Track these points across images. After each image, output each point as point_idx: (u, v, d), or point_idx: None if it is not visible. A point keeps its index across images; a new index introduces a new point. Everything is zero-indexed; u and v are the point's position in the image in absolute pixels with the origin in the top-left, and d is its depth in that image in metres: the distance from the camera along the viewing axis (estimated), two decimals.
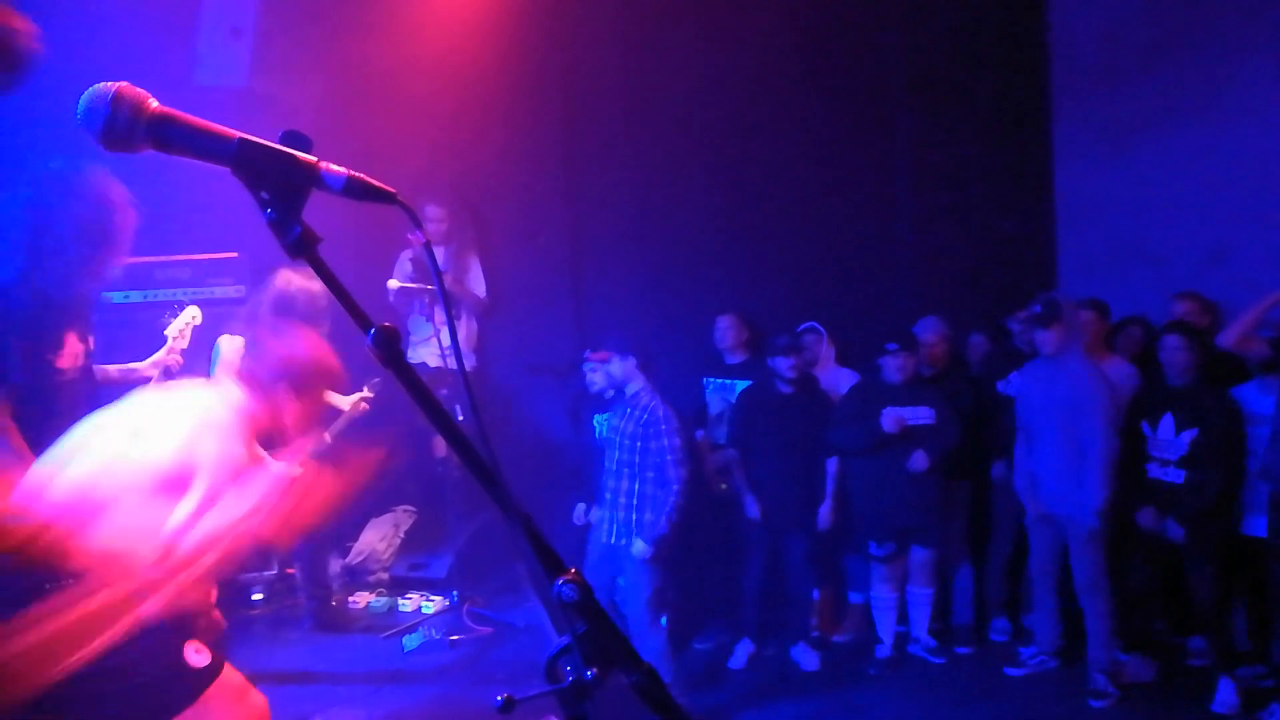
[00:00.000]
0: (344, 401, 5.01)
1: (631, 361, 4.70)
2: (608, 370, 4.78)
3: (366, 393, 5.05)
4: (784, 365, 5.08)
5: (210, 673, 2.34)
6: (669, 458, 4.54)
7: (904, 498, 5.01)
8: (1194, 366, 4.54)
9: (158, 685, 2.28)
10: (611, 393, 4.85)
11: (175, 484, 2.31)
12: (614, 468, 4.69)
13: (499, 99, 5.86)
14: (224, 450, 2.40)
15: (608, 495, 4.72)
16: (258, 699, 2.49)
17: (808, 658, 5.14)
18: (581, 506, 5.10)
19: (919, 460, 4.97)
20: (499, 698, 0.99)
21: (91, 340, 3.25)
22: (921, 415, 5.05)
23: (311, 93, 5.32)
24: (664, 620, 4.92)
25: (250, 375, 2.63)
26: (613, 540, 4.63)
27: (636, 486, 4.61)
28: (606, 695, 1.06)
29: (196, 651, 2.34)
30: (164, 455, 2.34)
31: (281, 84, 5.28)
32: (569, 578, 1.03)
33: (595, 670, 1.01)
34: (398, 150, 5.54)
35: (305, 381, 2.66)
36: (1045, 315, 4.71)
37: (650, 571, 4.56)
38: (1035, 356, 4.98)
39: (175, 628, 2.34)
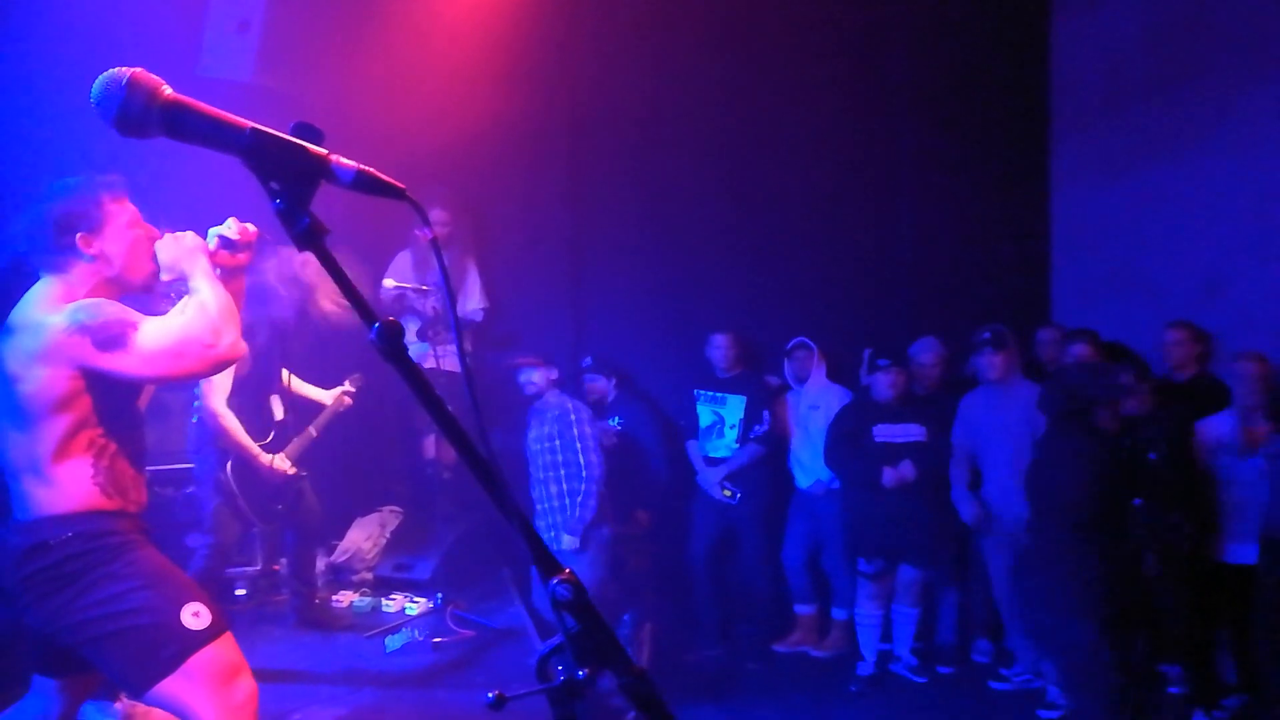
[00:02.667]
0: (326, 395, 4.98)
1: (553, 372, 5.01)
2: (530, 379, 4.98)
3: (348, 386, 5.03)
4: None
5: (202, 638, 2.31)
6: (580, 445, 4.79)
7: (896, 516, 5.02)
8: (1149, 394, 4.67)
9: (150, 637, 2.28)
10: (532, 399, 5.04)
11: None
12: (540, 475, 4.90)
13: (504, 105, 5.87)
14: None
15: (540, 506, 4.90)
16: (247, 684, 2.41)
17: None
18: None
19: (906, 469, 4.99)
20: (490, 694, 0.99)
21: None
22: (912, 433, 5.07)
23: (316, 90, 5.31)
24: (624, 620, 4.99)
25: None
26: (555, 548, 4.70)
27: (565, 486, 4.83)
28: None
29: (194, 615, 2.33)
30: None
31: (286, 80, 5.27)
32: (563, 577, 1.03)
33: (587, 670, 1.01)
34: (399, 153, 5.54)
35: None
36: (994, 341, 4.98)
37: (589, 569, 4.69)
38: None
39: (183, 584, 2.41)
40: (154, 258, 2.47)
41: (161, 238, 2.49)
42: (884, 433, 5.11)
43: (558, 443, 4.85)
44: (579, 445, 4.82)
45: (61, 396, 2.33)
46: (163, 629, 2.29)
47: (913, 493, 4.99)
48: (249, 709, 2.37)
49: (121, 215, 2.47)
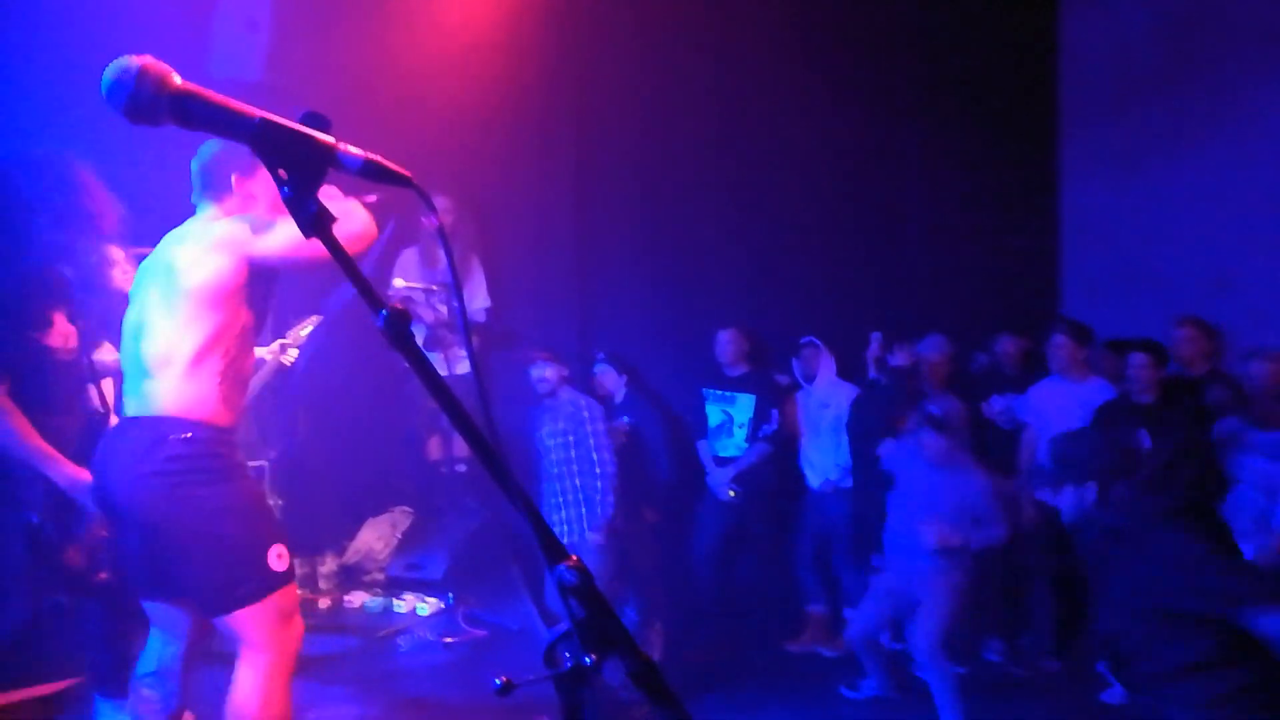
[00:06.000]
0: (263, 351, 3.71)
1: (564, 369, 5.08)
2: (543, 374, 5.02)
3: (289, 339, 3.82)
4: None
5: (281, 579, 2.54)
6: (594, 442, 4.87)
7: None
8: (1157, 383, 4.73)
9: (240, 569, 2.48)
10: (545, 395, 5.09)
11: None
12: (555, 471, 4.97)
13: (512, 103, 5.88)
14: None
15: (554, 499, 4.95)
16: (299, 624, 2.64)
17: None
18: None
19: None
20: (497, 680, 0.99)
21: (82, 324, 3.22)
22: None
23: (324, 89, 5.33)
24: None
25: None
26: (567, 541, 4.73)
27: (578, 482, 4.90)
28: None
29: (278, 556, 2.53)
30: None
31: (295, 79, 5.29)
32: (570, 563, 1.03)
33: (594, 656, 1.01)
34: (407, 149, 5.54)
35: None
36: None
37: (601, 563, 4.77)
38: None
39: (273, 524, 2.64)
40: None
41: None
42: None
43: (571, 439, 4.91)
44: (592, 443, 4.88)
45: (225, 290, 2.50)
46: (252, 564, 2.49)
47: None
48: (297, 646, 2.63)
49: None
